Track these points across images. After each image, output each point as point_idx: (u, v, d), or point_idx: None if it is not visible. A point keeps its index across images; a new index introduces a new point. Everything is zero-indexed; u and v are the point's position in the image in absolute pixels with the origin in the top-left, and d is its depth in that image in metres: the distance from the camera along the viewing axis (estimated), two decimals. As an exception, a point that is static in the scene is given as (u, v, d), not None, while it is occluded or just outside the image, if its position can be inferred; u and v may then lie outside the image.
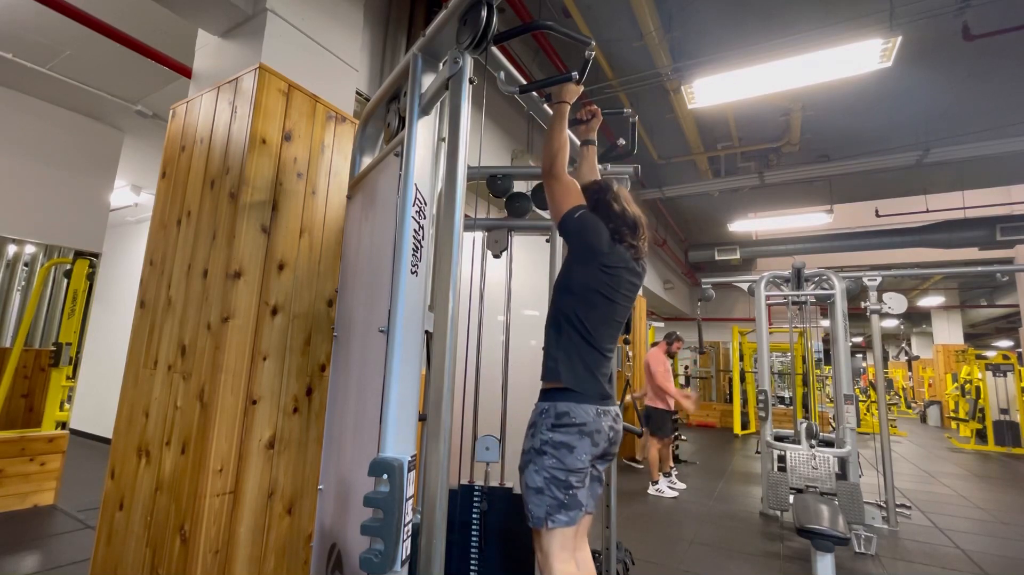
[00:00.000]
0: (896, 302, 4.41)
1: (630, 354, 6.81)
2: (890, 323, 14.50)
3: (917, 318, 14.90)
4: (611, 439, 1.43)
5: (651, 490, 4.64)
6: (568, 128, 1.81)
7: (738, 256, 8.58)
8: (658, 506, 4.33)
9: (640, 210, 1.56)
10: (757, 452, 6.66)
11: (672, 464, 4.98)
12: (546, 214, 2.13)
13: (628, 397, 5.20)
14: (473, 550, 1.86)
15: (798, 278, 4.20)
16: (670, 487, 4.66)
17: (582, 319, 1.42)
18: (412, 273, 1.09)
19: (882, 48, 2.97)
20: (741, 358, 9.66)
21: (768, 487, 3.73)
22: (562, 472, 1.31)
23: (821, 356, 6.37)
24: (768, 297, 4.33)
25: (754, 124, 5.01)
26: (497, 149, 3.70)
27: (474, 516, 1.88)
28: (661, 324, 11.65)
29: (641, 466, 5.77)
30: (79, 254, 3.87)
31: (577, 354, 1.40)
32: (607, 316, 1.45)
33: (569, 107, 1.54)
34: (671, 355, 5.09)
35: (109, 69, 3.36)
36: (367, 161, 1.72)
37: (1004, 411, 8.39)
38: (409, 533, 0.96)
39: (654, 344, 5.31)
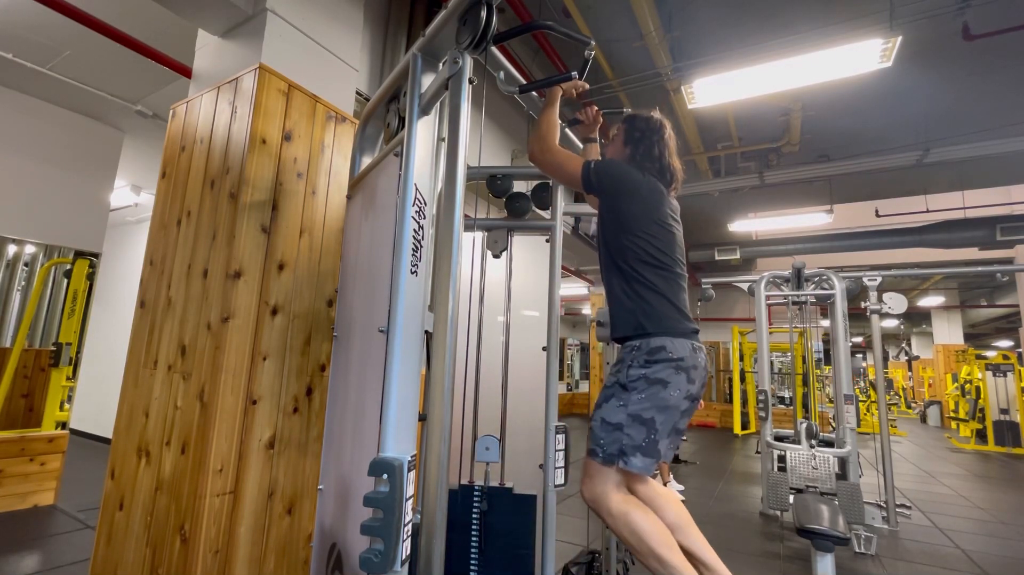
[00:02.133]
0: (896, 302, 4.41)
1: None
2: (890, 323, 14.51)
3: (917, 318, 14.90)
4: (703, 378, 1.33)
5: None
6: (568, 128, 1.82)
7: (738, 256, 8.57)
8: (658, 506, 4.33)
9: (679, 164, 1.51)
10: (757, 452, 6.66)
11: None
12: (546, 214, 2.13)
13: None
14: (473, 550, 1.86)
15: (798, 278, 4.20)
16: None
17: (647, 251, 1.32)
18: (412, 273, 1.09)
19: (882, 48, 2.97)
20: (741, 358, 9.65)
21: (768, 487, 3.73)
22: (650, 411, 1.20)
23: (821, 356, 6.38)
24: (768, 297, 4.33)
25: (754, 124, 5.00)
26: (497, 149, 3.70)
27: (474, 516, 1.88)
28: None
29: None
30: (79, 254, 3.87)
31: (654, 294, 1.30)
32: (671, 241, 1.38)
33: (560, 94, 1.52)
34: None
35: (109, 69, 3.36)
36: (367, 161, 1.72)
37: (1004, 411, 8.39)
38: (409, 533, 0.96)
39: None
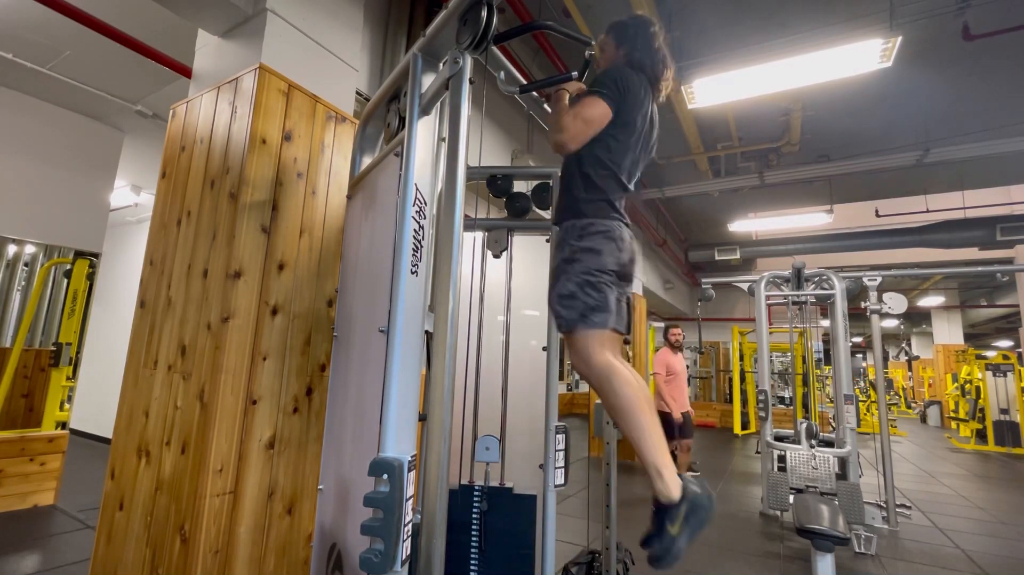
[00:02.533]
0: (896, 302, 4.41)
1: (630, 354, 6.81)
2: (890, 323, 14.51)
3: (917, 318, 14.90)
4: (631, 256, 1.44)
5: None
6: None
7: (738, 256, 8.58)
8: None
9: (670, 57, 1.57)
10: (757, 452, 6.66)
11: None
12: (546, 214, 2.13)
13: None
14: (473, 550, 1.87)
15: (798, 278, 4.20)
16: None
17: (603, 153, 1.42)
18: (412, 273, 1.09)
19: (882, 48, 2.97)
20: (741, 358, 9.66)
21: (768, 487, 3.73)
22: (593, 275, 1.32)
23: (821, 356, 6.38)
24: (768, 297, 4.33)
25: (754, 124, 5.00)
26: (497, 149, 3.70)
27: (474, 516, 1.88)
28: (661, 324, 11.64)
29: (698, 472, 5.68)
30: (79, 254, 3.88)
31: (596, 190, 1.41)
32: (624, 149, 1.45)
33: (567, 95, 1.53)
34: (675, 346, 5.03)
35: (109, 69, 3.36)
36: (367, 161, 1.72)
37: (1004, 411, 8.40)
38: (409, 533, 0.96)
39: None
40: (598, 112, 1.40)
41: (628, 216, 1.49)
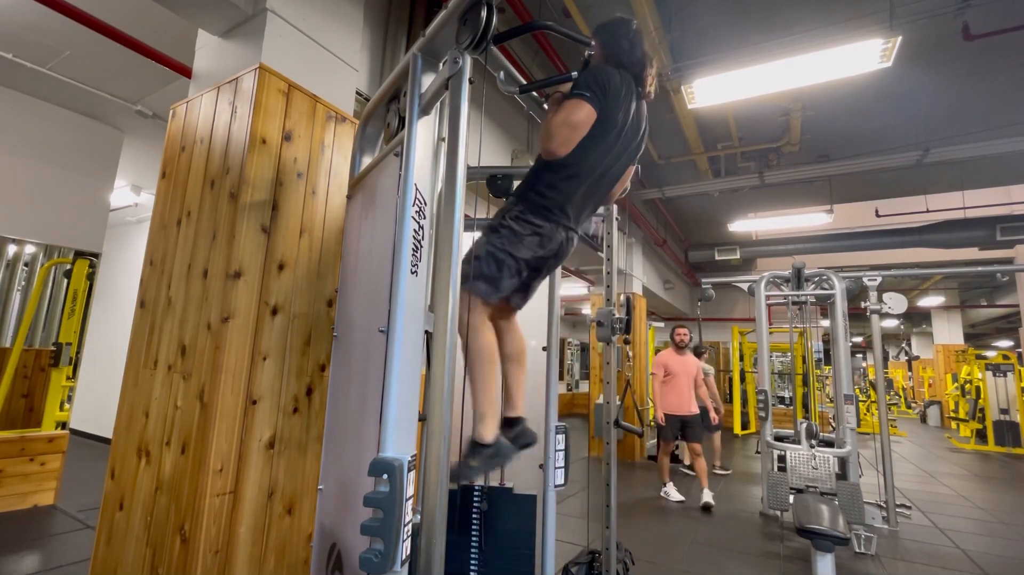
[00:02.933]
0: (896, 302, 4.41)
1: (630, 354, 6.81)
2: (890, 323, 14.51)
3: (917, 318, 14.90)
4: (557, 253, 1.54)
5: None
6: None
7: (738, 256, 8.58)
8: (658, 506, 4.33)
9: (648, 52, 1.62)
10: (757, 452, 6.66)
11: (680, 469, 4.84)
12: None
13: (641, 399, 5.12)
14: (473, 550, 1.86)
15: (798, 278, 4.20)
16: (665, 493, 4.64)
17: (577, 155, 1.46)
18: (412, 273, 1.09)
19: (882, 48, 2.97)
20: (741, 358, 9.66)
21: (768, 487, 3.73)
22: (502, 253, 1.44)
23: (821, 356, 6.38)
24: (768, 297, 4.33)
25: (754, 124, 5.01)
26: (497, 149, 3.70)
27: (474, 516, 1.88)
28: (661, 324, 11.65)
29: (692, 473, 5.66)
30: (79, 254, 3.88)
31: (558, 190, 1.48)
32: (609, 149, 1.51)
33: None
34: (679, 347, 4.97)
35: (109, 69, 3.36)
36: (367, 161, 1.72)
37: (1004, 411, 8.40)
38: (409, 533, 0.96)
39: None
40: (583, 115, 1.42)
41: (576, 223, 1.56)
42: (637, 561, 2.85)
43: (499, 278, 1.44)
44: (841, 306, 3.97)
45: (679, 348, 4.94)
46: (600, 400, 5.68)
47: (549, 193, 1.48)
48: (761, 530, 3.69)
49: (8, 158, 3.49)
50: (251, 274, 1.78)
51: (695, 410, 4.76)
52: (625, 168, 1.60)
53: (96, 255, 3.93)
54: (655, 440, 6.51)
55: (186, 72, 2.74)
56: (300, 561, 1.88)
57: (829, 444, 3.71)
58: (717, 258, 8.78)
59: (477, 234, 2.17)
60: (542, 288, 2.24)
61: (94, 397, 5.56)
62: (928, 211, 6.63)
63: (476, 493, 1.89)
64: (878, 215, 7.06)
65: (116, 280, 6.26)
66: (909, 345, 16.87)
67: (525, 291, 1.60)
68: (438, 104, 1.23)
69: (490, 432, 1.42)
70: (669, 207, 7.66)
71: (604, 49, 1.61)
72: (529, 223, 1.46)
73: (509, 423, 1.53)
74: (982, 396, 8.66)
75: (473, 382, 1.46)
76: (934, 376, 13.48)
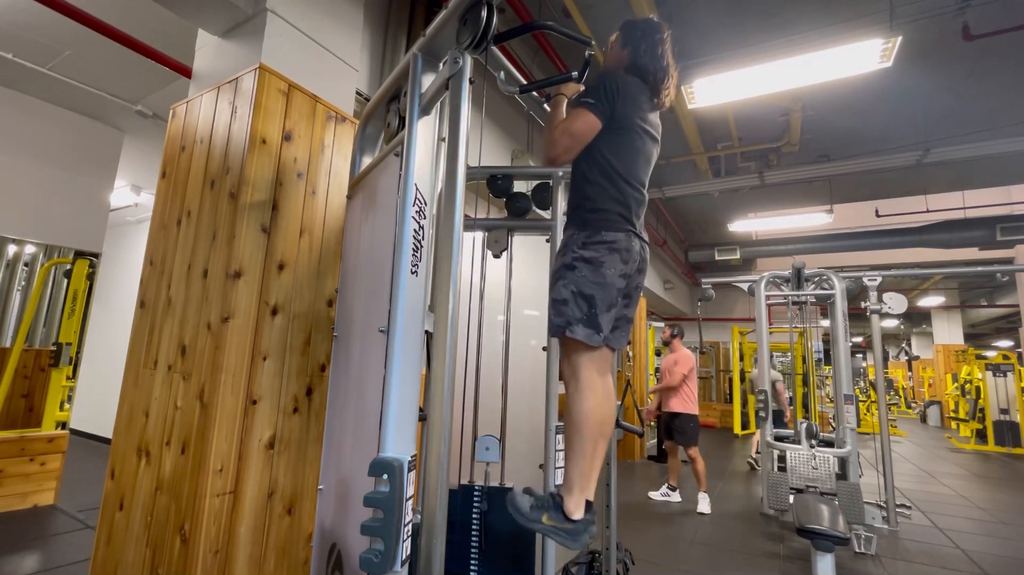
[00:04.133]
0: (896, 302, 4.41)
1: (630, 354, 6.81)
2: (890, 323, 14.51)
3: (917, 318, 14.89)
4: (640, 266, 1.44)
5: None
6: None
7: (738, 256, 8.58)
8: (658, 506, 4.33)
9: (674, 66, 1.56)
10: (757, 452, 6.66)
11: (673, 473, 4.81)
12: (546, 214, 2.13)
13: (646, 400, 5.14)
14: (473, 550, 1.86)
15: (798, 278, 4.20)
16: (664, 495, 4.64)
17: (612, 158, 1.41)
18: (412, 273, 1.09)
19: (882, 48, 2.97)
20: (741, 358, 9.66)
21: (768, 487, 3.73)
22: (589, 286, 1.32)
23: (821, 356, 6.38)
24: (768, 297, 4.33)
25: (754, 124, 5.00)
26: (497, 149, 3.70)
27: (474, 516, 1.88)
28: (661, 324, 11.65)
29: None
30: (79, 254, 3.88)
31: (610, 195, 1.40)
32: (639, 151, 1.45)
33: (566, 100, 1.53)
34: (664, 343, 5.02)
35: (109, 69, 3.36)
36: (367, 161, 1.72)
37: (1004, 411, 8.39)
38: (409, 533, 0.96)
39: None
40: (585, 125, 1.39)
41: (642, 230, 1.47)
42: (637, 561, 2.85)
43: (596, 315, 1.32)
44: (841, 306, 3.97)
45: (664, 345, 4.99)
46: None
47: (606, 202, 1.39)
48: (761, 530, 3.69)
49: (8, 158, 3.49)
50: (251, 274, 1.78)
51: (650, 407, 4.79)
52: (648, 175, 1.53)
53: (96, 255, 3.93)
54: (655, 440, 6.51)
55: (186, 72, 2.74)
56: (300, 561, 1.88)
57: (829, 444, 3.71)
58: (717, 258, 8.79)
59: (477, 234, 2.18)
60: (542, 287, 2.24)
61: (94, 397, 5.56)
62: (928, 211, 6.63)
63: (476, 493, 1.89)
64: (878, 215, 7.06)
65: (116, 280, 6.26)
66: (909, 345, 16.87)
67: (625, 325, 1.47)
68: (438, 104, 1.23)
69: (579, 509, 1.28)
70: (669, 207, 7.66)
71: (625, 48, 1.55)
72: (601, 242, 1.35)
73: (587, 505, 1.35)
74: (982, 396, 8.66)
75: (571, 450, 1.30)
76: (934, 376, 13.48)
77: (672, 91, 1.55)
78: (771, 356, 6.68)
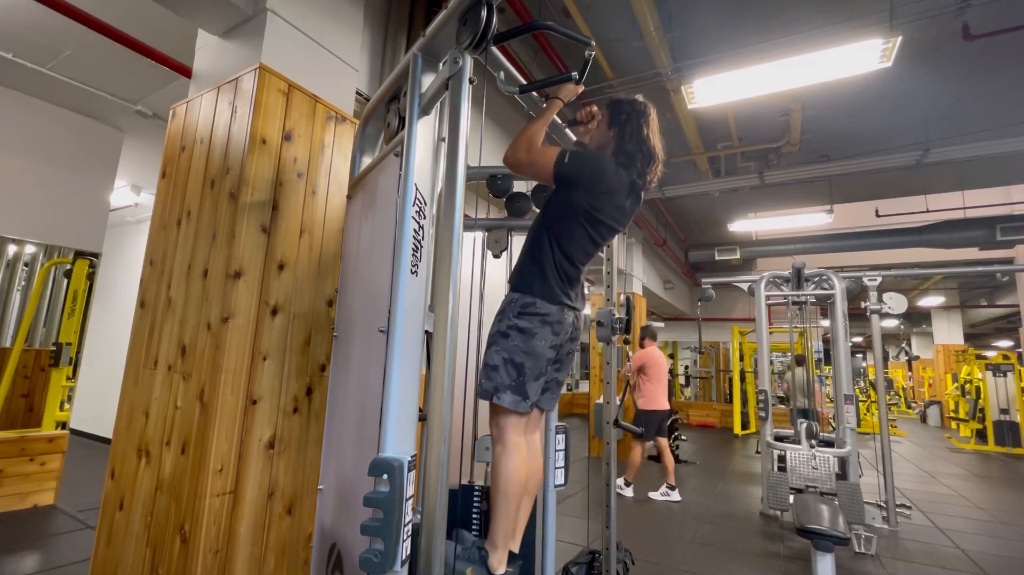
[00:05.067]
0: (896, 302, 4.41)
1: (630, 354, 6.80)
2: (890, 323, 14.50)
3: (917, 318, 14.89)
4: (571, 335, 1.52)
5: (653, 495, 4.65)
6: (568, 129, 1.81)
7: (738, 256, 8.58)
8: (658, 506, 4.33)
9: (661, 147, 1.58)
10: (757, 452, 6.66)
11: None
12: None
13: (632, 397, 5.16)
14: (473, 550, 1.86)
15: (798, 278, 4.20)
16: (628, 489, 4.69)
17: (562, 243, 1.47)
18: (412, 273, 1.09)
19: (882, 48, 2.97)
20: (741, 358, 9.65)
21: (768, 487, 3.73)
22: (520, 355, 1.39)
23: (821, 356, 6.37)
24: (768, 297, 4.33)
25: (754, 124, 5.00)
26: (497, 149, 3.70)
27: (474, 516, 1.88)
28: (661, 324, 11.65)
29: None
30: (79, 254, 3.87)
31: (552, 272, 1.46)
32: (590, 238, 1.50)
33: (560, 105, 1.53)
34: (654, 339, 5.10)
35: (109, 69, 3.36)
36: (367, 161, 1.72)
37: (1004, 411, 8.39)
38: (409, 533, 0.96)
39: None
40: (543, 159, 1.44)
41: (579, 300, 1.54)
42: (637, 561, 2.85)
43: (524, 383, 1.38)
44: (841, 306, 3.97)
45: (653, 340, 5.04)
46: (600, 400, 5.68)
47: (545, 278, 1.45)
48: (761, 530, 3.69)
49: (8, 158, 3.49)
50: (251, 274, 1.78)
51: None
52: (593, 255, 1.58)
53: (96, 255, 3.93)
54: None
55: (186, 72, 2.74)
56: (300, 561, 1.88)
57: (829, 444, 3.71)
58: (717, 258, 8.79)
59: (477, 234, 2.18)
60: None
61: (94, 397, 5.56)
62: (928, 211, 6.63)
63: (476, 493, 1.89)
64: (878, 215, 7.06)
65: (116, 280, 6.26)
66: (909, 345, 16.87)
67: (556, 387, 1.56)
68: (438, 104, 1.23)
69: (502, 565, 1.38)
70: (669, 207, 7.66)
71: (611, 128, 1.57)
72: (535, 314, 1.41)
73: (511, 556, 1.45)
74: (982, 396, 8.66)
75: (495, 509, 1.38)
76: (934, 376, 13.48)
77: (656, 173, 1.58)
78: (771, 356, 6.69)
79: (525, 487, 1.42)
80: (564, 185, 1.48)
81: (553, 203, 1.53)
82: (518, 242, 2.15)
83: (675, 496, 4.51)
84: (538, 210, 2.12)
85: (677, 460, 6.26)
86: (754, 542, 3.43)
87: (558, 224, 1.49)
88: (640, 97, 1.63)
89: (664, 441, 4.77)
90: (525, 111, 1.74)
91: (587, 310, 1.62)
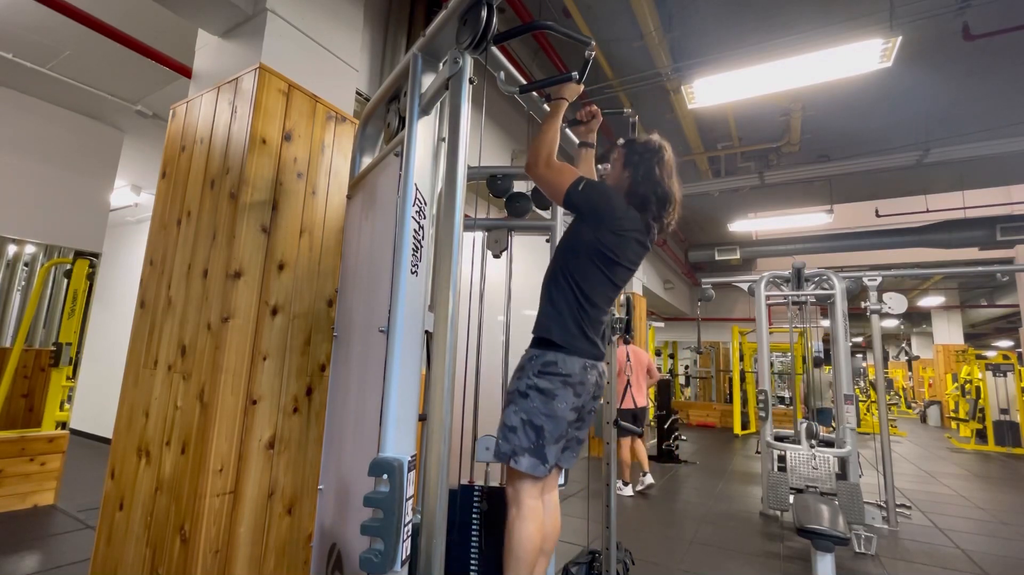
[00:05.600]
0: (896, 302, 4.41)
1: (628, 354, 6.80)
2: (890, 323, 14.50)
3: (917, 318, 14.89)
4: (595, 394, 1.46)
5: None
6: (568, 129, 1.81)
7: (738, 256, 8.58)
8: (658, 506, 4.33)
9: (678, 188, 1.53)
10: (757, 452, 6.66)
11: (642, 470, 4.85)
12: (546, 214, 2.13)
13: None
14: (473, 550, 1.86)
15: (798, 278, 4.20)
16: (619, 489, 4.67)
17: (579, 281, 1.42)
18: (412, 273, 1.09)
19: (882, 48, 2.97)
20: (741, 358, 9.65)
21: (768, 487, 3.73)
22: (539, 417, 1.34)
23: (821, 356, 6.37)
24: (768, 297, 4.33)
25: (754, 124, 5.00)
26: (497, 149, 3.70)
27: (474, 516, 1.88)
28: (661, 324, 11.64)
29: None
30: (79, 254, 3.87)
31: (571, 314, 1.41)
32: (607, 279, 1.46)
33: (567, 104, 1.53)
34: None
35: (109, 69, 3.36)
36: (367, 161, 1.72)
37: (1004, 411, 8.39)
38: (409, 533, 0.96)
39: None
40: (561, 180, 1.42)
41: (602, 348, 1.48)
42: (637, 561, 2.85)
43: (543, 447, 1.33)
44: (841, 306, 3.97)
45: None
46: (600, 400, 5.69)
47: (566, 329, 1.38)
48: (761, 530, 3.69)
49: (8, 158, 3.49)
50: (251, 274, 1.78)
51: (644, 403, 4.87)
52: (616, 295, 1.52)
53: (96, 255, 3.93)
54: (655, 440, 6.51)
55: (186, 72, 2.74)
56: (300, 561, 1.88)
57: (829, 444, 3.71)
58: (717, 258, 8.79)
59: (477, 234, 2.17)
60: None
61: (94, 397, 5.56)
62: (928, 211, 6.63)
63: (476, 493, 1.89)
64: (878, 215, 7.06)
65: (116, 280, 6.26)
66: (909, 345, 16.87)
67: (576, 445, 1.49)
68: (438, 104, 1.23)
69: None
70: (669, 207, 7.65)
71: (626, 170, 1.53)
72: (556, 374, 1.35)
73: None
74: (982, 396, 8.66)
75: (508, 572, 1.33)
76: (934, 376, 13.47)
77: (674, 215, 1.52)
78: (771, 356, 6.68)
79: (541, 550, 1.37)
80: (575, 215, 1.46)
81: (568, 238, 1.50)
82: (518, 242, 2.15)
83: (627, 491, 4.53)
84: (538, 210, 2.12)
85: (677, 460, 6.26)
86: (754, 542, 3.43)
87: (574, 262, 1.44)
88: (656, 136, 1.58)
89: (625, 440, 4.76)
90: (525, 111, 1.74)
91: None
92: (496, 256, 2.12)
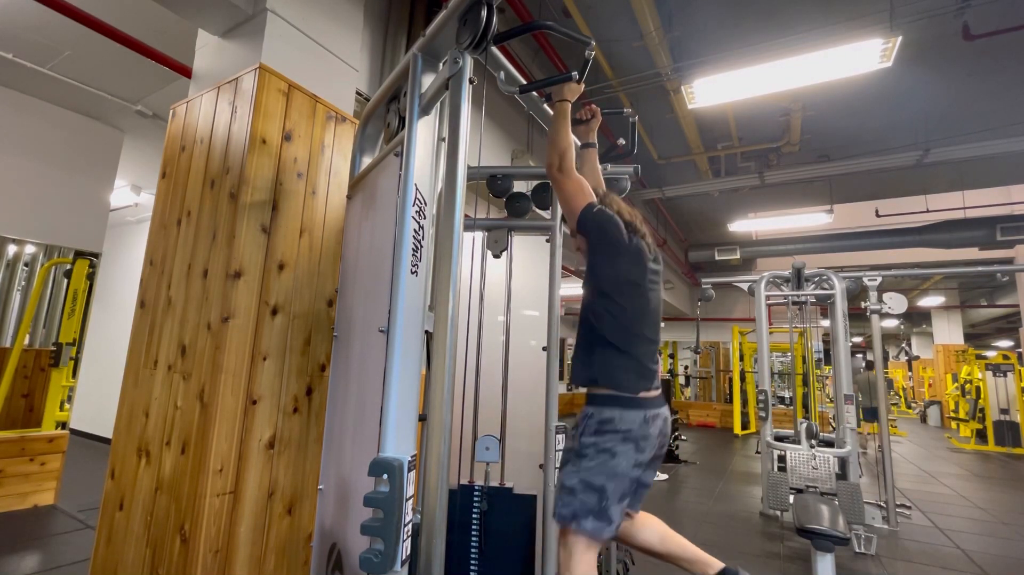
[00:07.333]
0: (896, 302, 4.41)
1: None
2: (890, 323, 14.50)
3: (917, 318, 14.89)
4: (660, 443, 1.38)
5: None
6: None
7: (738, 256, 8.57)
8: (658, 506, 4.33)
9: (630, 207, 1.54)
10: (757, 452, 6.65)
11: None
12: (546, 214, 2.13)
13: None
14: (473, 550, 1.86)
15: (798, 278, 4.20)
16: None
17: (617, 315, 1.36)
18: (412, 273, 1.09)
19: (882, 48, 2.97)
20: (741, 358, 9.65)
21: (768, 487, 3.73)
22: (600, 477, 1.26)
23: (821, 356, 6.37)
24: (768, 297, 4.33)
25: (754, 124, 5.00)
26: (497, 149, 3.70)
27: (474, 516, 1.88)
28: (661, 324, 11.63)
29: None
30: (79, 254, 3.87)
31: (617, 353, 1.34)
32: (645, 306, 1.41)
33: (570, 104, 1.53)
34: None
35: (109, 69, 3.36)
36: (367, 161, 1.72)
37: (1004, 411, 8.39)
38: (409, 533, 0.96)
39: None
40: (578, 199, 1.41)
41: (658, 385, 1.40)
42: (637, 561, 2.85)
43: (607, 508, 1.25)
44: (841, 306, 3.97)
45: None
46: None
47: (618, 376, 1.30)
48: (761, 530, 3.69)
49: (8, 158, 3.49)
50: (251, 274, 1.78)
51: None
52: (660, 321, 1.46)
53: (96, 255, 3.93)
54: None
55: (186, 72, 2.74)
56: (300, 561, 1.88)
57: (829, 444, 3.71)
58: (717, 258, 8.78)
59: (477, 234, 2.17)
60: (542, 287, 2.25)
61: (94, 397, 5.56)
62: (928, 211, 6.63)
63: (476, 493, 1.89)
64: (878, 215, 7.06)
65: (116, 280, 6.26)
66: (909, 345, 16.87)
67: (643, 490, 1.39)
68: (438, 104, 1.23)
69: None
70: (669, 207, 7.66)
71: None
72: (614, 431, 1.27)
73: None
74: (982, 396, 8.66)
75: None
76: (934, 376, 13.47)
77: (648, 237, 1.50)
78: (771, 356, 6.67)
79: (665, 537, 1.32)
80: (587, 242, 1.44)
81: (590, 284, 1.45)
82: (518, 242, 2.16)
83: None
84: (538, 210, 2.12)
85: (677, 460, 6.26)
86: (754, 542, 3.43)
87: (603, 302, 1.37)
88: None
89: None
90: (525, 111, 1.74)
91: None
92: (496, 256, 2.12)
